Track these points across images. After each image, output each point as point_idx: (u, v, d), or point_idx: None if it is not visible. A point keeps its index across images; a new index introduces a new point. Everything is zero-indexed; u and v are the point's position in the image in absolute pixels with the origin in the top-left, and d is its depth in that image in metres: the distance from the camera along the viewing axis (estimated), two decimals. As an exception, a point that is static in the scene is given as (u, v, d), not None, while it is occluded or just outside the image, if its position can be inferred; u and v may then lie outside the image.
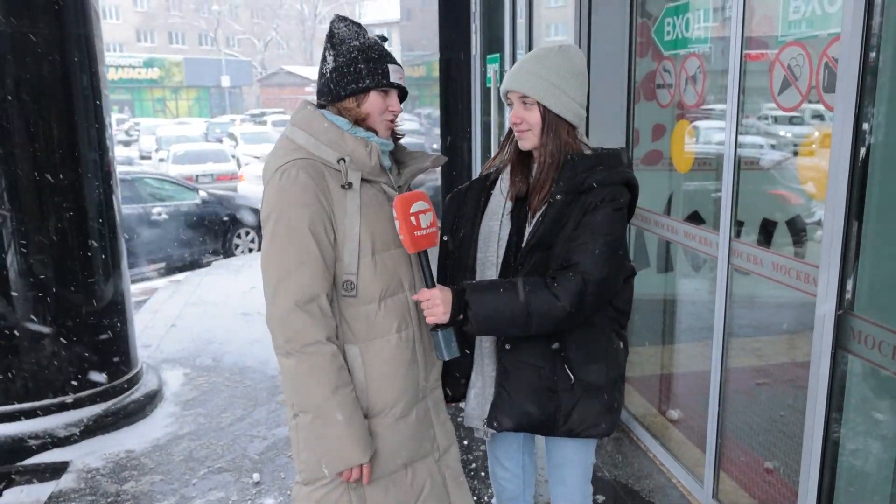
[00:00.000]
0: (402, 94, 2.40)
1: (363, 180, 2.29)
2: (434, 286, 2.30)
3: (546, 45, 2.58)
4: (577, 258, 2.28)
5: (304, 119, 2.33)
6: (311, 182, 2.19)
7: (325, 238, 2.21)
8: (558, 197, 2.33)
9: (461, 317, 2.27)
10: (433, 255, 2.45)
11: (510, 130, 2.51)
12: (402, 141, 2.52)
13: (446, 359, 2.31)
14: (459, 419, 2.67)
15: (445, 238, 2.53)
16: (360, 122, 2.31)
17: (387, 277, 2.32)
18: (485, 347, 2.52)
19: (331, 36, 2.35)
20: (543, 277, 2.30)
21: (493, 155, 2.65)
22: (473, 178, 2.66)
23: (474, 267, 2.49)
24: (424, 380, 2.45)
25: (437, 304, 2.24)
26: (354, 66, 2.28)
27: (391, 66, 2.32)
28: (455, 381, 2.60)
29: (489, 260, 2.46)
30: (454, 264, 2.53)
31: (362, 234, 2.26)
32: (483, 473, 4.16)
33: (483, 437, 2.68)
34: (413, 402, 2.41)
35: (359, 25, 2.36)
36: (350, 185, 2.24)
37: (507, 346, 2.43)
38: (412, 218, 2.22)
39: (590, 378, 2.45)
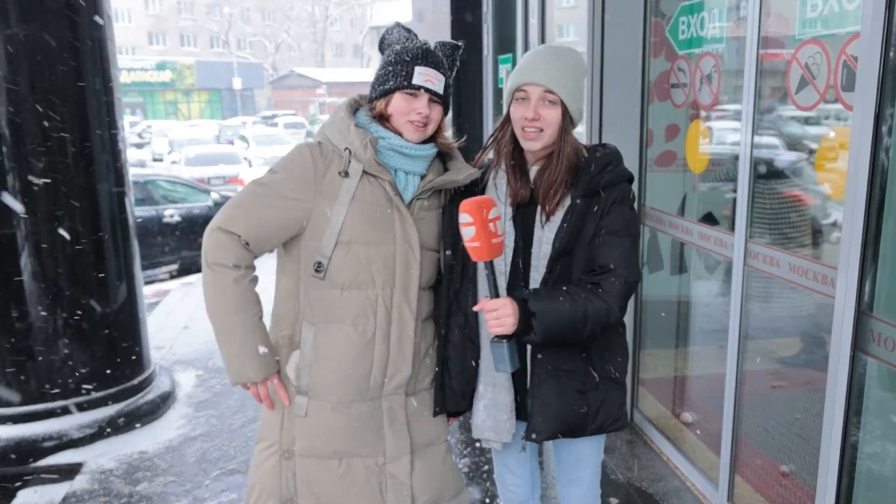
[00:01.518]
0: (445, 102, 2.41)
1: (367, 173, 2.35)
2: (499, 296, 2.25)
3: (552, 44, 2.55)
4: (609, 262, 2.30)
5: (335, 109, 2.46)
6: (309, 159, 2.35)
7: (284, 210, 2.33)
8: (578, 201, 2.32)
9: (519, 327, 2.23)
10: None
11: (500, 129, 2.47)
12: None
13: (511, 370, 2.26)
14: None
15: (449, 252, 2.47)
16: (384, 121, 2.38)
17: (356, 269, 2.35)
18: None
19: (381, 43, 2.47)
20: (585, 284, 2.31)
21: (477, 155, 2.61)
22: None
23: (475, 278, 2.46)
24: (380, 382, 2.43)
25: (509, 314, 2.19)
26: (386, 69, 2.38)
27: (419, 69, 2.33)
28: (455, 398, 2.56)
29: (496, 269, 2.39)
30: (455, 276, 2.48)
31: (345, 222, 2.32)
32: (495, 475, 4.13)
33: (494, 447, 2.64)
34: (355, 398, 2.42)
35: (409, 31, 2.44)
36: (346, 174, 2.33)
37: (539, 356, 2.39)
38: (490, 224, 2.18)
39: (611, 374, 2.46)
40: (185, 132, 31.63)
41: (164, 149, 28.66)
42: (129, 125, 37.31)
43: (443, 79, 2.38)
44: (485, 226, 2.16)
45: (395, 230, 2.36)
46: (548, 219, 2.36)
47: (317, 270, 2.34)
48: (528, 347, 2.42)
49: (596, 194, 2.34)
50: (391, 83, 2.34)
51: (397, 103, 2.35)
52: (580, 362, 2.41)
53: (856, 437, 2.73)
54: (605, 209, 2.33)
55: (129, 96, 50.33)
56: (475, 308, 2.31)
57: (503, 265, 2.41)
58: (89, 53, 4.69)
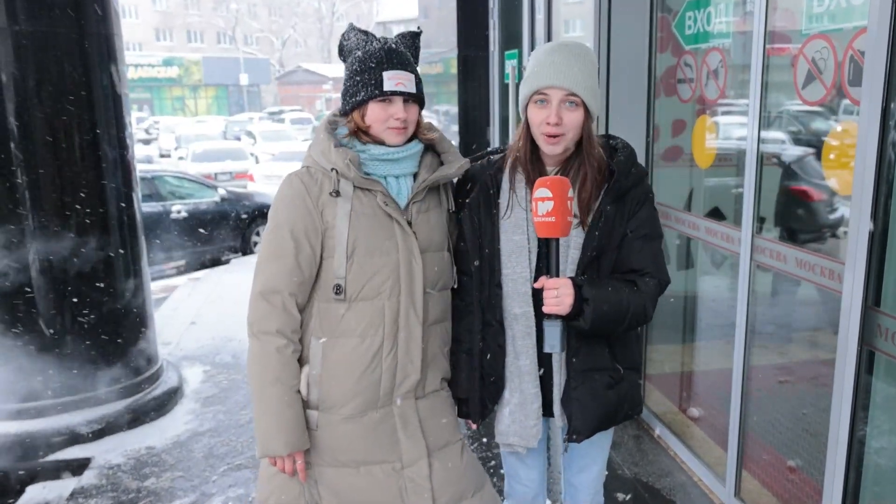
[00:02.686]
0: (419, 99, 2.37)
1: (358, 188, 2.33)
2: (559, 276, 2.22)
3: (564, 40, 2.50)
4: (642, 266, 2.33)
5: (317, 129, 2.45)
6: (301, 187, 2.32)
7: (305, 240, 2.31)
8: (608, 208, 2.31)
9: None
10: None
11: (526, 131, 2.40)
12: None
13: (560, 351, 2.24)
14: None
15: (477, 263, 2.44)
16: (365, 132, 2.35)
17: (363, 281, 2.34)
18: (523, 365, 2.45)
19: (340, 49, 2.43)
20: (623, 280, 2.32)
21: (508, 150, 2.50)
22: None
23: (501, 283, 2.42)
24: (390, 389, 2.42)
25: (569, 293, 2.18)
26: (353, 79, 2.33)
27: (387, 73, 2.28)
28: (488, 407, 2.55)
29: (520, 275, 2.39)
30: (485, 285, 2.46)
31: (349, 238, 2.31)
32: (502, 470, 4.14)
33: (518, 451, 2.60)
34: (367, 407, 2.40)
35: (366, 34, 2.37)
36: (338, 193, 2.31)
37: (574, 360, 2.38)
38: (568, 202, 2.18)
39: (630, 363, 2.49)
40: (191, 128, 31.75)
41: (171, 145, 28.71)
42: (137, 121, 37.37)
43: (412, 76, 2.33)
44: (564, 202, 2.15)
45: (397, 238, 2.34)
46: (583, 225, 2.32)
47: (336, 293, 2.33)
48: (554, 355, 2.40)
49: (622, 198, 2.33)
50: (362, 94, 2.30)
51: (373, 113, 2.31)
52: (608, 359, 2.42)
53: (863, 432, 2.73)
54: (633, 210, 2.34)
55: (136, 92, 50.49)
56: (536, 285, 2.26)
57: (528, 271, 2.38)
58: (96, 50, 4.69)
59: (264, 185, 17.35)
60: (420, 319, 2.39)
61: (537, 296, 2.30)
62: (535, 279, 2.35)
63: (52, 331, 4.67)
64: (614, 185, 2.31)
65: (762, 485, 3.63)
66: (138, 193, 5.22)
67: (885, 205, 2.50)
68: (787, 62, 3.23)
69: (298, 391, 2.37)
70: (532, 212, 2.20)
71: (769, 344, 3.69)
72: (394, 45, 2.35)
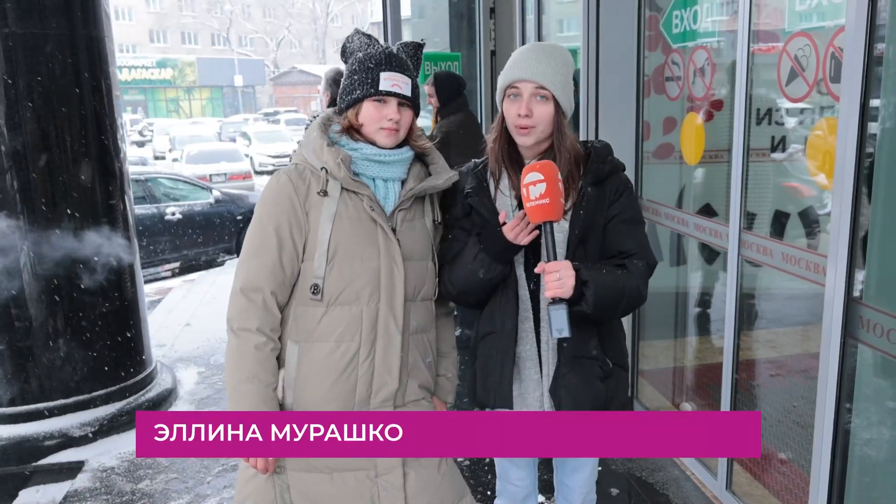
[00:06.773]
0: (414, 104, 2.38)
1: (346, 190, 2.33)
2: (557, 259, 2.24)
3: (541, 42, 2.54)
4: (629, 248, 2.37)
5: (310, 128, 2.45)
6: (289, 184, 2.32)
7: (289, 238, 2.31)
8: (589, 189, 2.34)
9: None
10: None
11: (498, 130, 2.45)
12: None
13: (568, 336, 2.21)
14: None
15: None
16: (357, 132, 2.36)
17: (341, 285, 2.33)
18: (523, 350, 2.46)
19: (343, 51, 2.44)
20: (613, 264, 2.35)
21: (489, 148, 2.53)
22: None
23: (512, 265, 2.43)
24: (366, 397, 2.40)
25: (571, 275, 2.19)
26: (351, 78, 2.35)
27: (384, 74, 2.30)
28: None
29: (515, 260, 2.42)
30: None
31: (331, 239, 2.31)
32: (496, 468, 4.17)
33: None
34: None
35: (369, 37, 2.40)
36: (325, 192, 2.31)
37: (565, 344, 2.39)
38: (559, 184, 2.21)
39: (618, 358, 2.50)
40: (186, 129, 31.63)
41: (166, 146, 28.62)
42: (131, 123, 37.29)
43: (409, 81, 2.35)
44: (555, 183, 2.18)
45: (379, 244, 2.34)
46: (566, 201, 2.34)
47: (314, 293, 2.32)
48: (546, 339, 2.42)
49: (602, 182, 2.37)
50: (358, 92, 2.32)
51: (367, 112, 2.33)
52: (598, 350, 2.43)
53: (848, 423, 2.76)
54: (613, 198, 2.38)
55: (130, 94, 50.49)
56: (536, 270, 2.28)
57: (521, 256, 2.40)
58: (88, 51, 4.71)
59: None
60: (399, 328, 2.38)
61: (530, 283, 2.39)
62: (526, 269, 2.40)
63: (44, 334, 4.68)
64: (591, 166, 2.36)
65: (754, 477, 3.66)
66: (130, 195, 5.22)
67: (866, 198, 2.53)
68: (771, 60, 3.25)
69: (275, 390, 2.35)
70: (524, 198, 2.22)
71: (759, 338, 3.71)
72: (395, 51, 2.37)
